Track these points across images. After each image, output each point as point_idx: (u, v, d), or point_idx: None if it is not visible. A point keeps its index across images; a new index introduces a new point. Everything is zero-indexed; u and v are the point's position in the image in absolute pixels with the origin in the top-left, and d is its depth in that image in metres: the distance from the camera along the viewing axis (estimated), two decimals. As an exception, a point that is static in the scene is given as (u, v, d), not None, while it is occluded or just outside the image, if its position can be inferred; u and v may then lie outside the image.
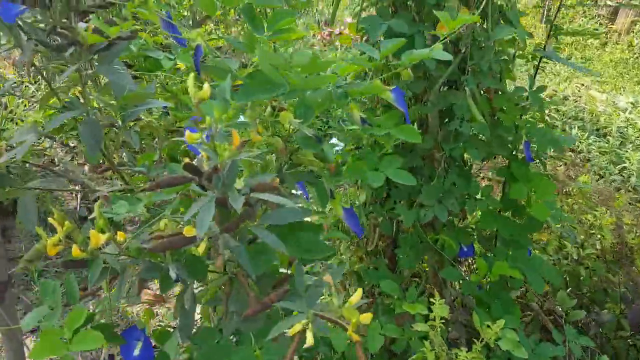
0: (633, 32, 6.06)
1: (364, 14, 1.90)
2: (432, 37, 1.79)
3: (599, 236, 2.40)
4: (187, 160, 0.96)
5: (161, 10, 1.11)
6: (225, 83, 0.93)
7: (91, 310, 1.14)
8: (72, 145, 2.77)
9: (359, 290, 0.94)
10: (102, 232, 1.03)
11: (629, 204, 2.84)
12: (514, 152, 1.95)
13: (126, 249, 1.04)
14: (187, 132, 0.84)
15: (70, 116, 1.16)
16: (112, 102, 1.25)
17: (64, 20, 1.02)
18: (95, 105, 1.36)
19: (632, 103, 4.76)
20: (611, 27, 6.22)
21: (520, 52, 1.86)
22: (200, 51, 1.06)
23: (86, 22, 1.15)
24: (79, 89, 1.30)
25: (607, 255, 2.33)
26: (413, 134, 1.13)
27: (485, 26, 1.81)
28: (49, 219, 0.95)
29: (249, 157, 0.88)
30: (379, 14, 1.78)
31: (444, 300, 1.58)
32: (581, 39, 5.78)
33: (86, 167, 2.75)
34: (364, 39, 1.92)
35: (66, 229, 0.95)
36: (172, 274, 1.05)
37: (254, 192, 0.92)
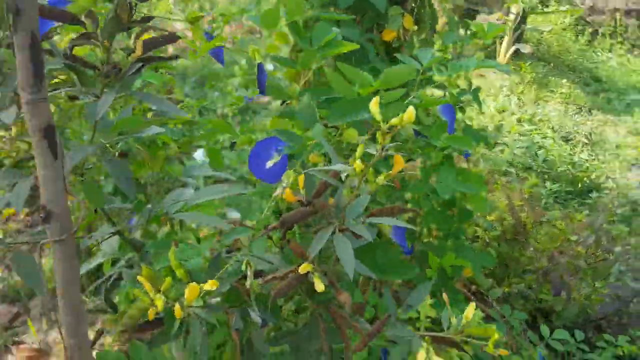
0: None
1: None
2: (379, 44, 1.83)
3: (492, 218, 2.67)
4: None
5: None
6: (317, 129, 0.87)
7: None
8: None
9: (472, 304, 0.94)
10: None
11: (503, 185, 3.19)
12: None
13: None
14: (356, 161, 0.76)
15: (85, 155, 0.97)
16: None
17: (105, 42, 0.84)
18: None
19: (460, 97, 5.32)
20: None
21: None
22: (263, 70, 0.95)
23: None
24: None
25: (507, 234, 2.59)
26: (467, 142, 1.15)
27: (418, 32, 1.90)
28: (137, 277, 0.78)
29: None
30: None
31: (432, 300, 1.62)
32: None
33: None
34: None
35: (167, 285, 0.79)
36: (257, 318, 0.94)
37: (372, 217, 0.86)
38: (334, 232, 0.83)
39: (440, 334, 0.93)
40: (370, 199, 1.08)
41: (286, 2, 1.49)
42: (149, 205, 1.30)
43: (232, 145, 1.16)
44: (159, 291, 0.81)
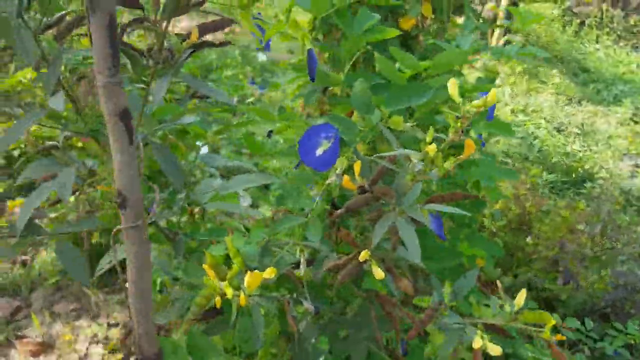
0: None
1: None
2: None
3: (497, 207, 2.69)
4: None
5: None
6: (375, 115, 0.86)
7: None
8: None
9: (523, 291, 0.94)
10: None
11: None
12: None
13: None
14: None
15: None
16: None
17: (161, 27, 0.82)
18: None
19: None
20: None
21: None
22: (313, 56, 0.94)
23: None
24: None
25: (513, 224, 2.61)
26: (507, 129, 1.15)
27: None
28: (203, 265, 0.77)
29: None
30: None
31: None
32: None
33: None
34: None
35: (233, 273, 0.78)
36: (309, 306, 0.94)
37: (432, 203, 0.86)
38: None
39: (492, 321, 0.94)
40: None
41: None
42: (180, 195, 1.29)
43: (269, 134, 1.16)
44: (222, 279, 0.80)
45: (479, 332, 0.90)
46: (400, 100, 0.90)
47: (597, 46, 7.08)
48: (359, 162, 0.87)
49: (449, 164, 0.78)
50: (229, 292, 0.76)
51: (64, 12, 0.97)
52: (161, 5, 0.80)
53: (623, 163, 4.68)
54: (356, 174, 0.88)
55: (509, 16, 5.78)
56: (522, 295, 0.94)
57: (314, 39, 1.72)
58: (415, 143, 1.04)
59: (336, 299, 1.03)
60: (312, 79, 0.96)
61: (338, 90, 1.05)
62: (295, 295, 0.95)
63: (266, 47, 1.05)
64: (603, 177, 4.29)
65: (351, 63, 1.44)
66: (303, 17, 1.73)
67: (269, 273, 0.85)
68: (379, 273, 0.84)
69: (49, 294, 2.81)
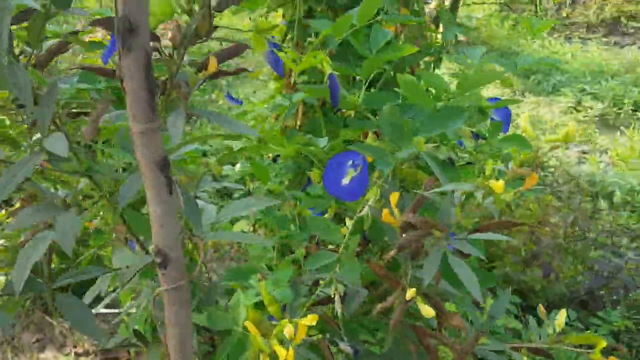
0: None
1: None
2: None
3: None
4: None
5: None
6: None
7: None
8: None
9: (563, 311, 0.92)
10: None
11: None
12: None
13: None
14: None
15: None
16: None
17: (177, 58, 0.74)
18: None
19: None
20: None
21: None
22: (335, 81, 0.87)
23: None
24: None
25: (485, 219, 2.62)
26: (525, 143, 1.11)
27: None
28: (245, 323, 0.69)
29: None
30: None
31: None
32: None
33: None
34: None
35: (280, 329, 0.71)
36: (347, 348, 0.88)
37: (479, 232, 0.82)
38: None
39: (535, 345, 0.90)
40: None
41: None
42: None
43: (275, 159, 1.09)
44: (263, 334, 0.73)
45: (525, 358, 0.87)
46: (435, 126, 0.85)
47: (534, 39, 7.30)
48: (396, 193, 0.81)
49: (508, 196, 0.74)
50: (282, 354, 0.69)
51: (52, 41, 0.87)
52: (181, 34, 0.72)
53: (570, 151, 4.84)
54: (393, 206, 0.82)
55: (454, 12, 5.87)
56: (562, 315, 0.92)
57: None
58: (438, 163, 1.00)
59: (366, 330, 0.97)
60: (335, 104, 0.89)
61: (352, 112, 1.00)
62: (328, 334, 0.89)
63: (276, 66, 0.97)
64: (554, 165, 4.41)
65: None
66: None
67: (311, 320, 0.79)
68: (428, 311, 0.79)
69: (10, 325, 2.63)
